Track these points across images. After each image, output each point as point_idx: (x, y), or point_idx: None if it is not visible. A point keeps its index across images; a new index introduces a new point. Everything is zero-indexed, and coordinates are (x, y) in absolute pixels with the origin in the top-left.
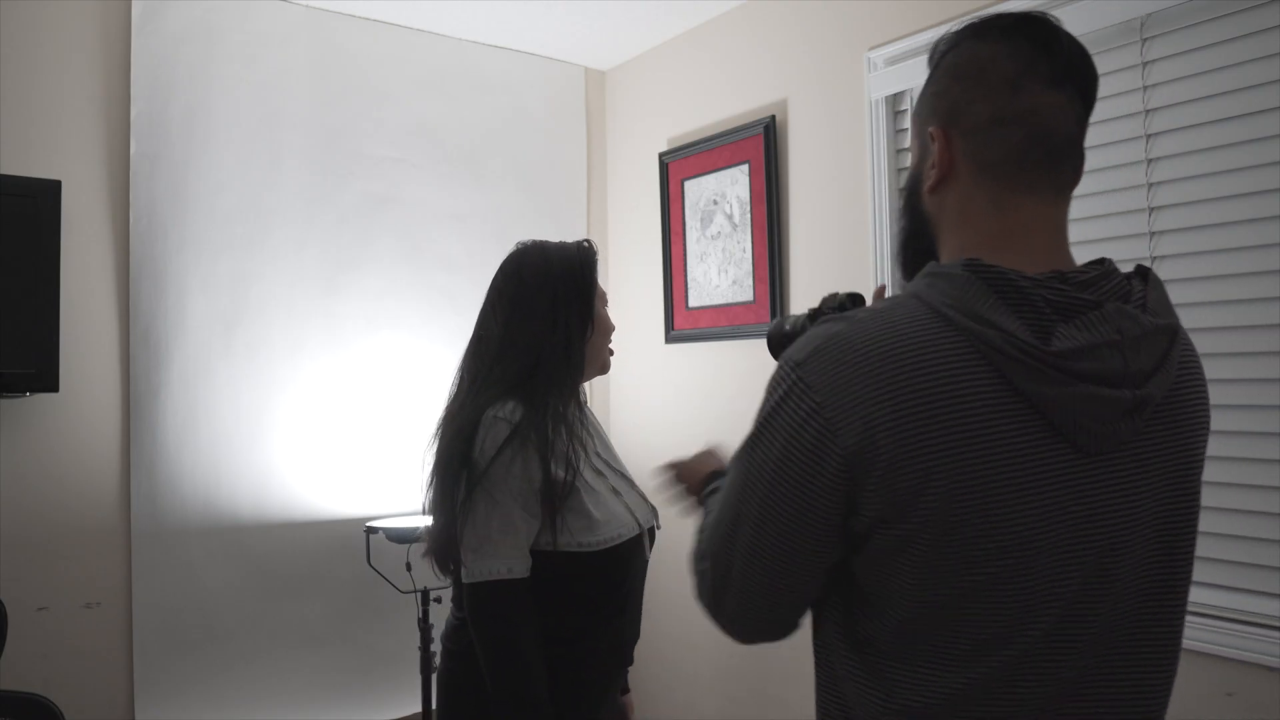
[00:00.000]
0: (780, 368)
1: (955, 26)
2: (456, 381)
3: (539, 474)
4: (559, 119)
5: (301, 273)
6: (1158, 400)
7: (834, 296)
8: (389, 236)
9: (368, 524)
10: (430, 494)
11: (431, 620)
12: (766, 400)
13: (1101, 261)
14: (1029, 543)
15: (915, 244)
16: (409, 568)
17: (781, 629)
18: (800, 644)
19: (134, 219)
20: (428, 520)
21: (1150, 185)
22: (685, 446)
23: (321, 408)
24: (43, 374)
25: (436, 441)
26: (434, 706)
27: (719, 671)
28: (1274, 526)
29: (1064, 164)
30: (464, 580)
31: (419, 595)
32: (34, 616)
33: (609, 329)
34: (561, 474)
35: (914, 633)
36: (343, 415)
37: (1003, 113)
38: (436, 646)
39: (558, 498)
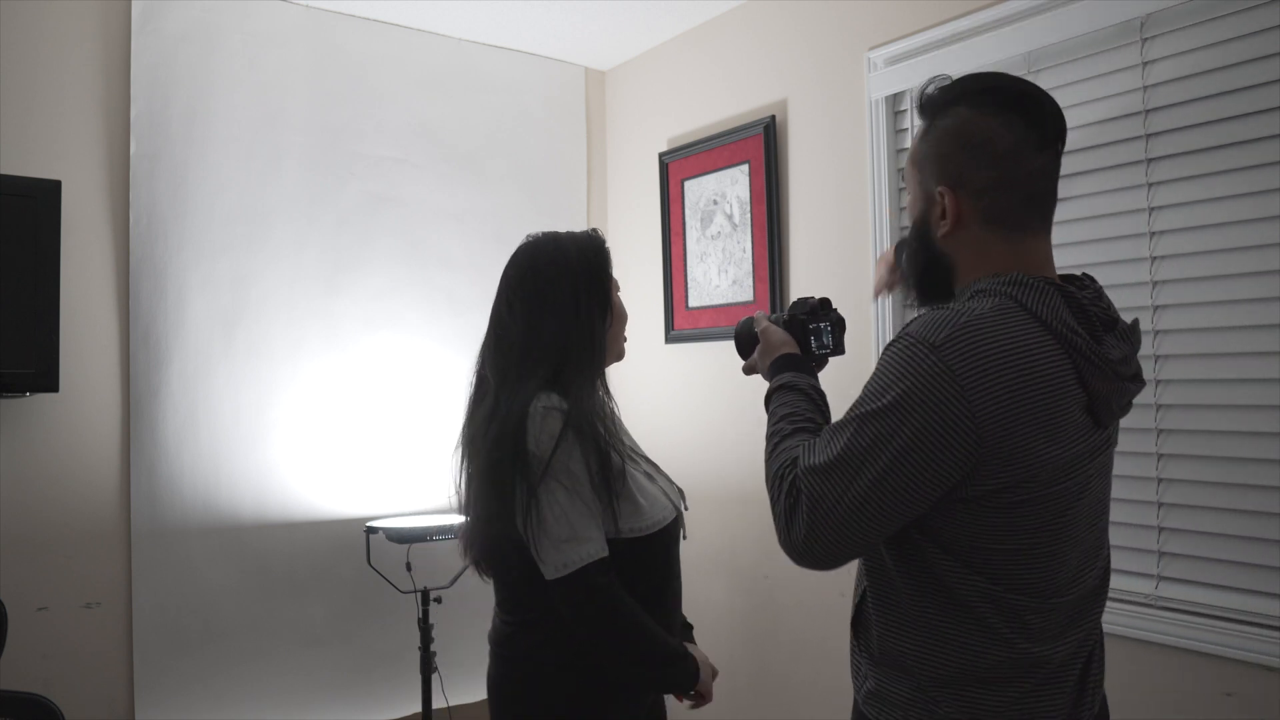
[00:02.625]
0: (914, 347)
1: (938, 79)
2: (476, 383)
3: (595, 462)
4: (559, 119)
5: (301, 273)
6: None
7: (804, 301)
8: (389, 236)
9: (368, 524)
10: (470, 493)
11: (432, 620)
12: (903, 377)
13: (1092, 278)
14: (1083, 493)
15: (933, 275)
16: (409, 568)
17: (843, 563)
18: (800, 640)
19: (134, 219)
20: (460, 520)
21: (1150, 185)
22: (685, 447)
23: (321, 408)
24: (43, 374)
25: (468, 444)
26: (490, 710)
27: (719, 660)
28: (1274, 526)
29: (1050, 208)
30: (555, 575)
31: (419, 595)
32: (34, 616)
33: (624, 316)
34: (618, 460)
35: (1016, 571)
36: (343, 415)
37: (1005, 179)
38: (436, 646)
39: (616, 484)
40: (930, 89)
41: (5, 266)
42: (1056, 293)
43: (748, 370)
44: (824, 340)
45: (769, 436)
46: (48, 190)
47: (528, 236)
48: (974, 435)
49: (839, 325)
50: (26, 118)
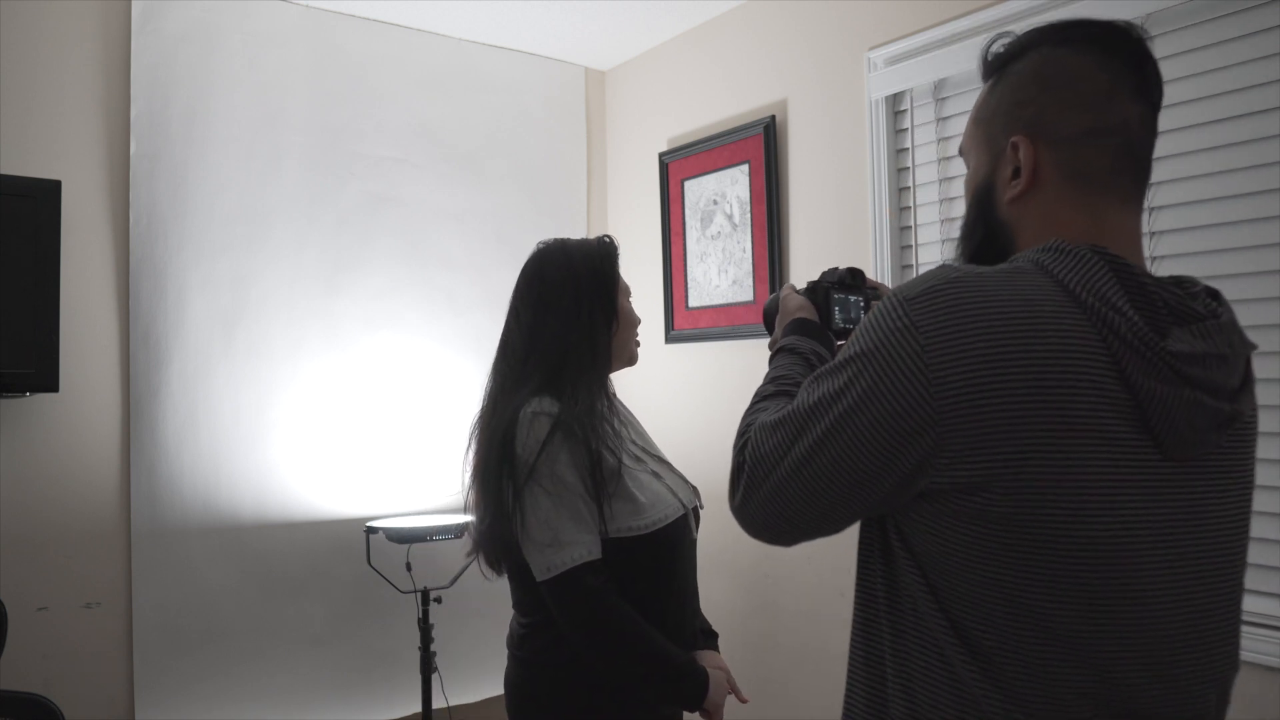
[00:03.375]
0: (889, 300)
1: (1003, 36)
2: (486, 389)
3: (585, 463)
4: (559, 119)
5: (301, 273)
6: (1245, 417)
7: (833, 270)
8: (389, 236)
9: (368, 524)
10: (472, 494)
11: (432, 620)
12: (869, 331)
13: (1182, 278)
14: (1114, 539)
15: (988, 252)
16: (409, 568)
17: (789, 541)
18: (801, 640)
19: (134, 219)
20: (469, 519)
21: (1150, 185)
22: (685, 447)
23: (321, 408)
24: (43, 374)
25: (473, 445)
26: (507, 711)
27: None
28: (1274, 526)
29: (1146, 173)
30: (543, 577)
31: (419, 595)
32: (34, 616)
33: (634, 322)
34: (610, 460)
35: (992, 616)
36: (343, 415)
37: (1098, 124)
38: (436, 646)
39: (606, 484)
40: (996, 45)
41: (5, 266)
42: (1100, 261)
43: (772, 345)
44: (851, 314)
45: (752, 398)
46: (48, 190)
47: (539, 244)
48: (928, 404)
49: (873, 300)
50: (26, 118)
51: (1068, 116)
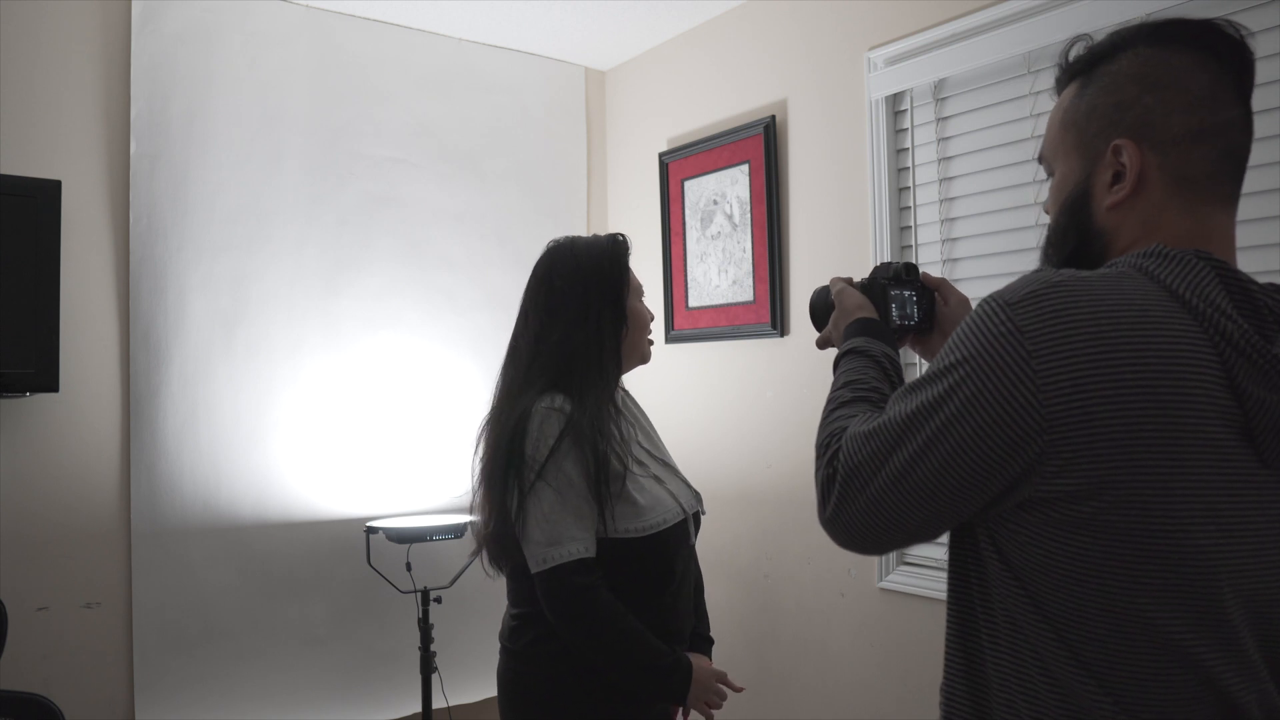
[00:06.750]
0: (989, 304)
1: (1082, 39)
2: (495, 391)
3: (591, 466)
4: (559, 119)
5: (301, 273)
6: None
7: (888, 265)
8: (389, 236)
9: (368, 524)
10: (480, 493)
11: (432, 620)
12: (969, 338)
13: None
14: (1217, 548)
15: (1082, 260)
16: (409, 568)
17: (880, 550)
18: (801, 640)
19: (134, 219)
20: (471, 519)
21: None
22: (684, 447)
23: (321, 408)
24: (43, 374)
25: (482, 445)
26: (498, 706)
27: (720, 660)
28: None
29: (1243, 176)
30: (537, 569)
31: (419, 595)
32: (34, 616)
33: (645, 320)
34: (616, 465)
35: (1098, 627)
36: (343, 415)
37: (1204, 126)
38: (437, 646)
39: (611, 486)
40: (1078, 48)
41: (5, 266)
42: (1206, 266)
43: (822, 343)
44: (907, 310)
45: (826, 403)
46: (48, 190)
47: (549, 243)
48: (1036, 411)
49: (926, 295)
50: (26, 118)
51: (1175, 118)
